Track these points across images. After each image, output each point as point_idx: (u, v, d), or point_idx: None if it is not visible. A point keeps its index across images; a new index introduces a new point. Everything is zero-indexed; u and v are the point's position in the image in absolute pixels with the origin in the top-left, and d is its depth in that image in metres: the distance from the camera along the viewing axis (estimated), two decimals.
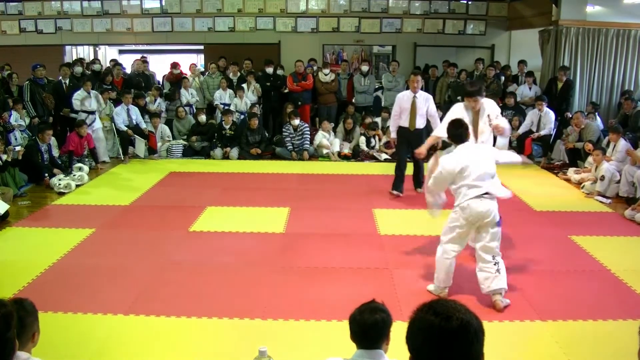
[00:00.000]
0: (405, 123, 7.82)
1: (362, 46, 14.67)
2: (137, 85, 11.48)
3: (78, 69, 11.11)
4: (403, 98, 7.87)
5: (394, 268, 5.48)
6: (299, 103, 11.34)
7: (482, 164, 4.73)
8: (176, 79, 12.13)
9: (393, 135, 8.14)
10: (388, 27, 13.06)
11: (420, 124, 7.82)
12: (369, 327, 2.33)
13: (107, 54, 16.21)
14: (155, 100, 11.18)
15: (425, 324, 1.60)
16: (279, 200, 7.72)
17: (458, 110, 5.76)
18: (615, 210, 7.52)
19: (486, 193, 4.69)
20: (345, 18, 13.01)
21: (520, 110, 10.88)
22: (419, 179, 8.12)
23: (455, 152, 4.90)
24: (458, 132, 4.89)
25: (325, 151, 10.65)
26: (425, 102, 7.82)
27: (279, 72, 11.80)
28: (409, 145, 7.78)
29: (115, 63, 12.63)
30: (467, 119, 5.54)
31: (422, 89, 11.86)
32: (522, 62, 12.05)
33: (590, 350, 4.07)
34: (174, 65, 12.57)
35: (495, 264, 4.69)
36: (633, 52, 11.08)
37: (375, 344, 2.33)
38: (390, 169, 9.69)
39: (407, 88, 11.90)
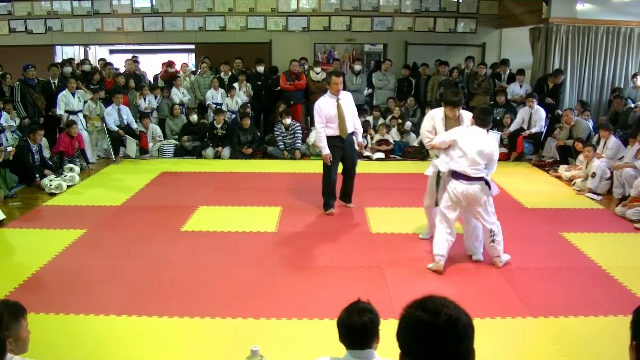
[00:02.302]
0: (335, 132, 6.85)
1: (353, 45, 14.68)
2: (125, 85, 11.38)
3: (67, 69, 11.08)
4: (326, 104, 6.84)
5: (386, 266, 5.48)
6: (292, 102, 11.34)
7: (472, 147, 5.14)
8: (170, 78, 12.08)
9: (326, 151, 6.88)
10: (379, 26, 13.07)
11: (350, 127, 6.94)
12: (358, 330, 2.32)
13: (98, 54, 16.14)
14: (145, 98, 11.14)
15: (414, 320, 1.60)
16: (270, 200, 7.72)
17: (431, 118, 5.79)
18: (606, 207, 7.56)
19: (468, 177, 5.17)
20: (336, 17, 13.01)
21: (511, 108, 10.91)
22: (348, 193, 7.36)
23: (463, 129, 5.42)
24: (485, 117, 5.32)
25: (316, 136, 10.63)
26: (350, 103, 6.95)
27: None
28: (343, 155, 7.02)
29: (105, 63, 12.58)
30: (440, 124, 5.65)
31: (413, 88, 12.03)
32: (504, 63, 12.08)
33: (582, 346, 4.10)
34: (169, 64, 12.53)
35: (491, 235, 5.34)
36: (623, 49, 11.14)
37: (365, 345, 2.33)
38: (384, 167, 9.75)
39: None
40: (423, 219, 6.41)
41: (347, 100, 6.96)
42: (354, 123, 7.06)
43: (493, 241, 5.35)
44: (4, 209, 7.11)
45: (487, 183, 5.25)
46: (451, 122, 5.63)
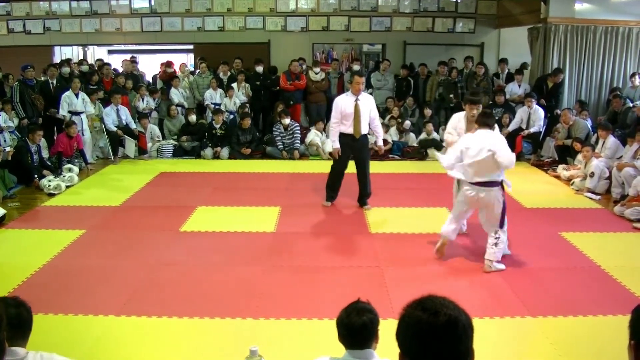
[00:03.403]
0: (349, 130, 7.01)
1: (352, 45, 14.69)
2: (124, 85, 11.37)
3: (66, 70, 11.06)
4: (345, 102, 7.01)
5: (385, 266, 5.48)
6: (291, 103, 11.32)
7: (479, 151, 5.13)
8: (169, 78, 12.08)
9: (336, 145, 7.12)
10: (378, 26, 13.07)
11: (365, 129, 7.07)
12: (357, 329, 2.32)
13: (96, 54, 16.14)
14: (143, 98, 11.14)
15: (413, 319, 1.60)
16: (269, 200, 7.71)
17: (457, 119, 6.02)
18: (605, 207, 7.56)
19: (480, 183, 5.17)
20: (335, 17, 13.01)
21: (510, 107, 10.91)
22: (363, 194, 7.39)
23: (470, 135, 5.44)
24: (485, 120, 5.32)
25: (316, 139, 10.65)
26: (368, 105, 7.09)
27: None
28: (353, 156, 7.20)
29: (102, 63, 12.56)
30: (463, 126, 5.78)
31: (411, 87, 12.04)
32: (502, 61, 12.10)
33: (581, 345, 4.10)
34: (168, 64, 12.52)
35: (496, 238, 5.27)
36: (621, 49, 11.15)
37: (364, 345, 2.33)
38: (382, 167, 9.73)
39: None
40: (422, 218, 6.41)
41: (366, 102, 7.09)
42: (374, 126, 7.24)
43: (496, 244, 5.26)
44: (3, 208, 7.10)
45: (502, 187, 5.29)
46: (471, 123, 5.71)
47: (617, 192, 7.79)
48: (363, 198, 7.39)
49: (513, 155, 5.19)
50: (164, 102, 11.50)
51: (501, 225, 5.30)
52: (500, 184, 5.26)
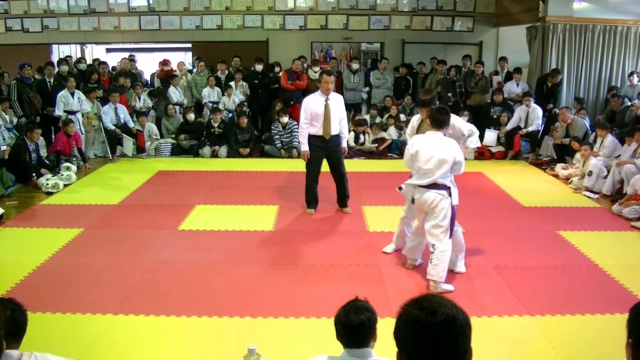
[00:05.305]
0: (318, 131, 6.73)
1: (350, 43, 14.68)
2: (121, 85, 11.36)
3: (64, 68, 11.04)
4: (314, 102, 6.71)
5: (383, 265, 5.49)
6: (292, 102, 11.30)
7: (433, 155, 4.86)
8: (167, 76, 12.07)
9: (305, 147, 6.84)
10: (376, 24, 13.07)
11: (335, 129, 6.78)
12: (355, 328, 2.31)
13: (95, 53, 16.11)
14: (139, 97, 11.13)
15: (411, 318, 1.60)
16: (268, 198, 7.72)
17: (416, 119, 5.70)
18: (603, 206, 7.57)
19: (432, 184, 4.89)
20: (333, 15, 13.00)
21: (508, 106, 10.92)
22: (342, 196, 7.20)
23: (420, 136, 5.12)
24: (440, 118, 4.94)
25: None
26: (338, 104, 6.83)
27: (276, 69, 11.90)
28: (327, 157, 6.94)
29: (99, 62, 12.55)
30: (415, 127, 5.52)
31: (410, 86, 12.03)
32: (502, 59, 12.13)
33: (579, 344, 4.10)
34: (165, 63, 12.52)
35: (432, 253, 4.88)
36: (619, 48, 11.15)
37: (362, 344, 2.32)
38: (381, 165, 9.75)
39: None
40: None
41: (336, 102, 6.84)
42: (340, 127, 6.94)
43: (430, 260, 4.87)
44: (1, 207, 7.10)
45: (448, 192, 4.90)
46: (425, 125, 5.36)
47: (609, 186, 7.84)
48: (343, 199, 7.21)
49: (464, 164, 4.94)
50: (162, 100, 11.48)
51: (445, 238, 4.90)
52: (448, 188, 4.89)
